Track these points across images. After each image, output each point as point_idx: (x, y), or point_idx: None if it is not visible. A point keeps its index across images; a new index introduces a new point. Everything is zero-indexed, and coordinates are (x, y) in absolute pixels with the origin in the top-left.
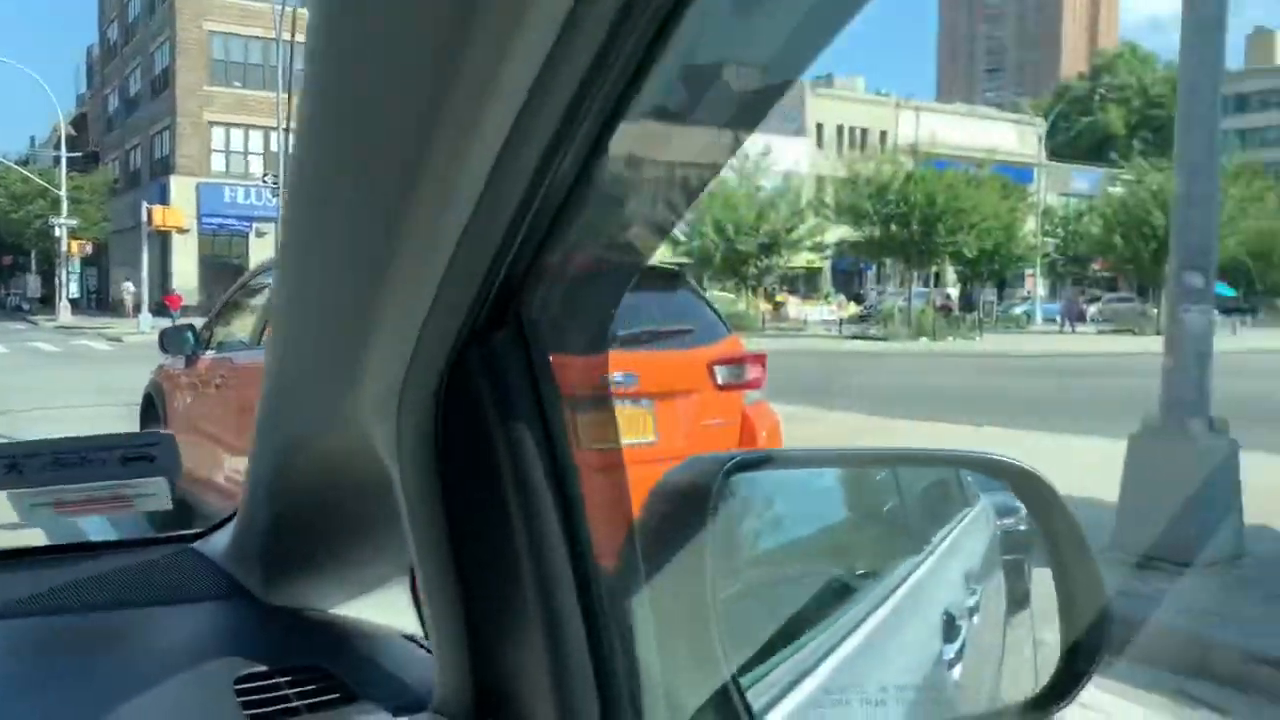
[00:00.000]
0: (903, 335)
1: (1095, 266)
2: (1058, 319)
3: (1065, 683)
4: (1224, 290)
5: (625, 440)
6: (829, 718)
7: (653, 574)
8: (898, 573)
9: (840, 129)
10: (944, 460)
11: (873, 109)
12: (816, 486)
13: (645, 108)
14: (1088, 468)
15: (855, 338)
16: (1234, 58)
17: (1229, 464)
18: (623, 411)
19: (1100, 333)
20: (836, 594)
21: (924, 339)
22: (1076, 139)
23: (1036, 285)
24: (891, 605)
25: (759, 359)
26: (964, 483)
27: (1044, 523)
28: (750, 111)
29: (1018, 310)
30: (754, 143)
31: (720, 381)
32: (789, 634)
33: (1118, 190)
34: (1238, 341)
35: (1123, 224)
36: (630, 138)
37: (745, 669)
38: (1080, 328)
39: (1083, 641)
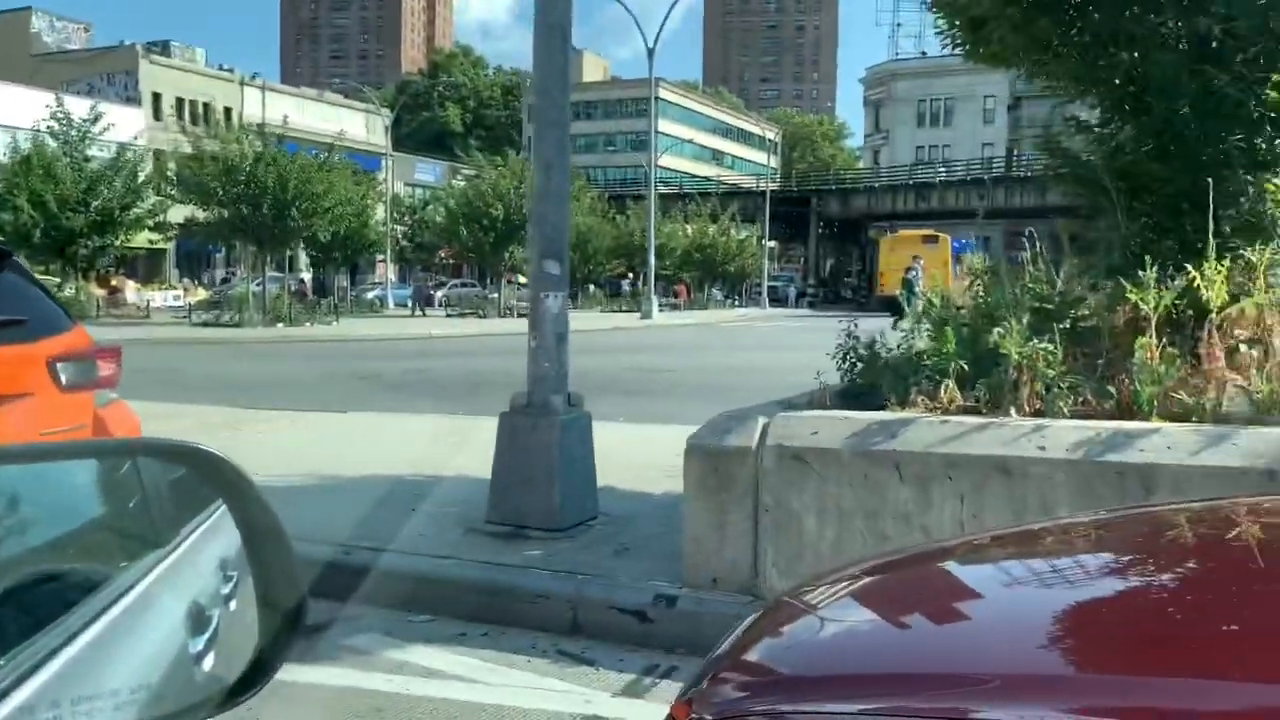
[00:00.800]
0: (258, 321)
1: (441, 254)
2: (409, 303)
3: (255, 674)
4: None
5: None
6: None
7: None
8: (136, 570)
9: (181, 102)
10: (121, 451)
11: (216, 84)
12: (68, 483)
13: None
14: (460, 446)
15: (207, 325)
16: None
17: (585, 435)
18: None
19: (449, 316)
20: (63, 599)
21: (280, 325)
22: (418, 131)
23: (388, 271)
24: (125, 605)
25: (112, 353)
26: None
27: (239, 511)
28: None
29: (370, 295)
30: (80, 106)
31: (65, 381)
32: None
33: (460, 183)
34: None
35: (466, 215)
36: None
37: None
38: (430, 311)
39: (279, 633)
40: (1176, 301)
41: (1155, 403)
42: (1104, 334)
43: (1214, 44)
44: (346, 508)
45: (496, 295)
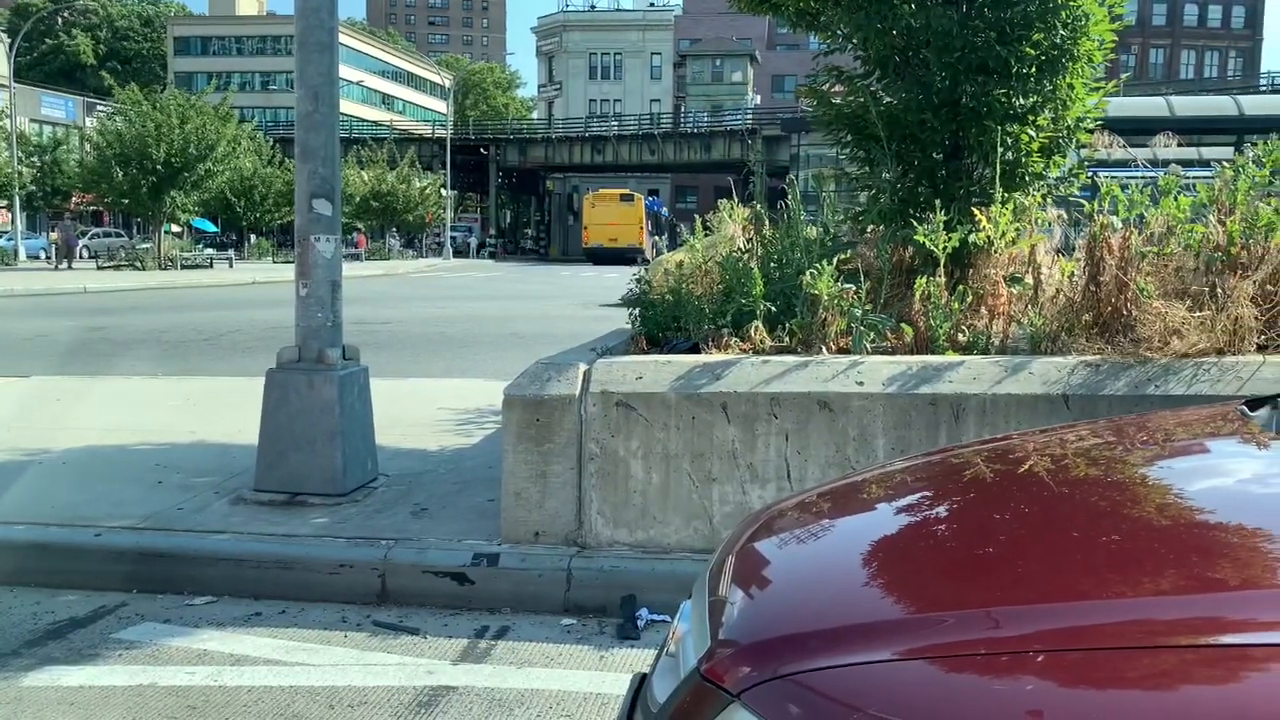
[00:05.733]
0: None
1: (77, 199)
2: (43, 254)
3: None
4: (204, 225)
5: None
6: None
7: None
8: None
9: None
10: None
11: None
12: None
13: None
14: (182, 409)
15: None
16: (197, 6)
17: (365, 390)
18: None
19: (101, 268)
20: None
21: None
22: (43, 61)
23: (16, 219)
24: None
25: None
26: None
27: None
28: None
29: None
30: None
31: None
32: None
33: (112, 122)
34: (236, 274)
35: (120, 156)
36: None
37: None
38: (76, 264)
39: None
40: (962, 242)
41: (948, 338)
42: (883, 274)
43: (981, 4)
44: (76, 484)
45: (151, 245)
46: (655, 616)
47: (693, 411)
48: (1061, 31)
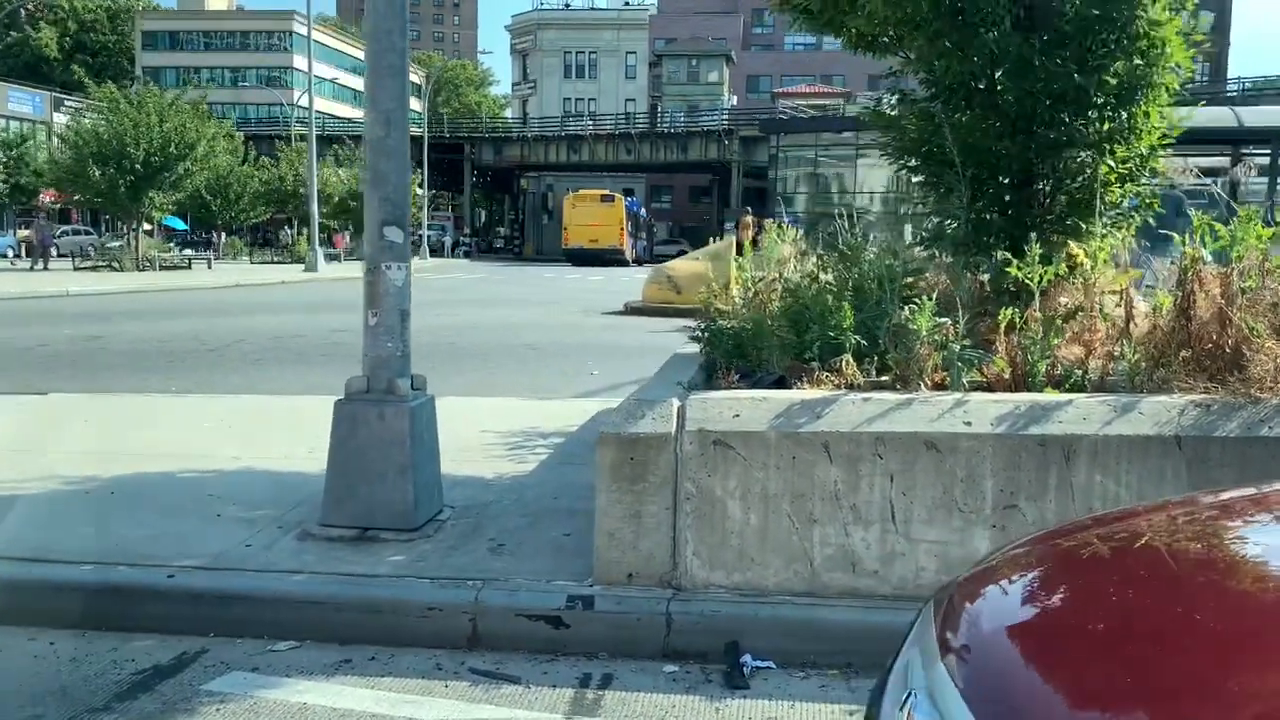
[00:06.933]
0: None
1: (45, 197)
2: (10, 253)
3: None
4: (175, 223)
5: None
6: None
7: None
8: None
9: None
10: None
11: None
12: None
13: None
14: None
15: None
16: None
17: (433, 421)
18: None
19: (79, 269)
20: None
21: None
22: (7, 55)
23: None
24: None
25: None
26: None
27: None
28: None
29: None
30: None
31: None
32: None
33: (88, 119)
34: (217, 276)
35: (97, 155)
36: None
37: None
38: (51, 264)
39: None
40: (1058, 273)
41: (1046, 373)
42: (960, 305)
43: (1062, 31)
44: (132, 516)
45: (126, 245)
46: (760, 663)
47: (793, 451)
48: (1138, 60)
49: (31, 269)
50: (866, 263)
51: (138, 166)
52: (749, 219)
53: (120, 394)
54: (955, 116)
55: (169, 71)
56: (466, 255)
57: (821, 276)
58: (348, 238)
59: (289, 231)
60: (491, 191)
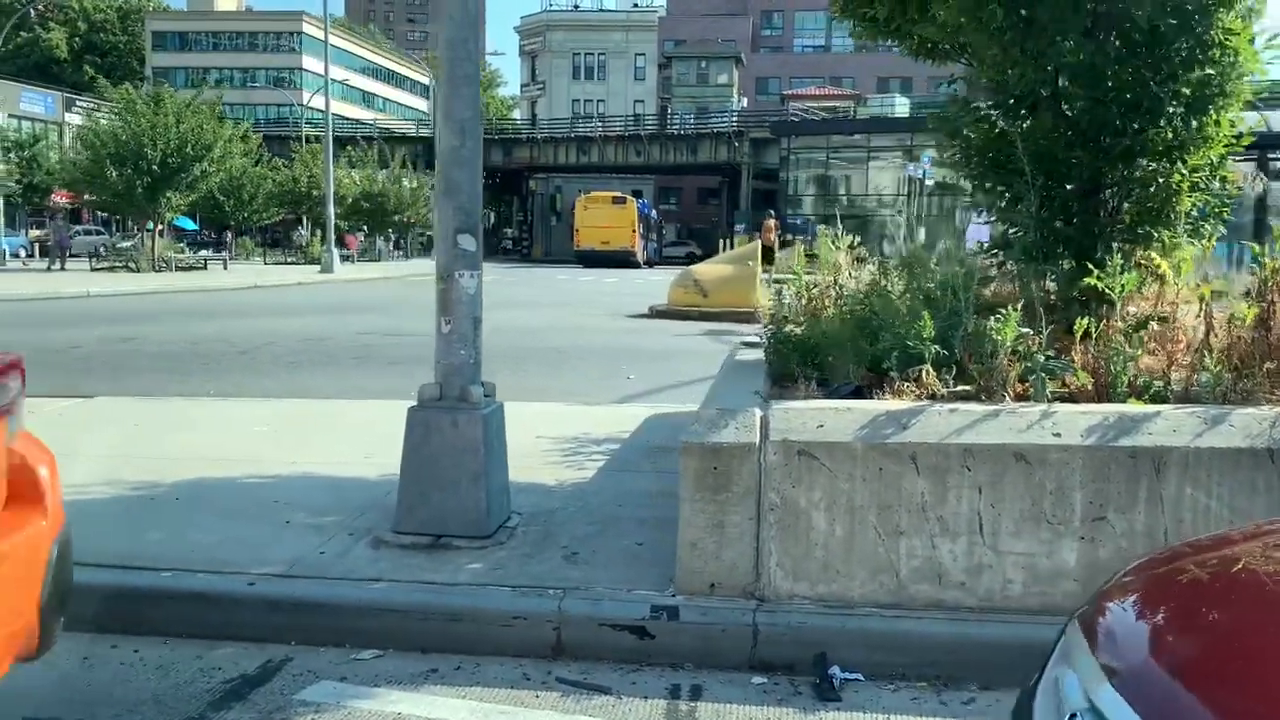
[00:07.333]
0: None
1: (57, 197)
2: (25, 252)
3: None
4: (185, 223)
5: None
6: None
7: None
8: None
9: None
10: None
11: None
12: None
13: None
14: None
15: None
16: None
17: (502, 428)
18: None
19: (96, 269)
20: None
21: None
22: (17, 56)
23: None
24: None
25: (14, 368)
26: None
27: None
28: None
29: None
30: None
31: None
32: None
33: (104, 120)
34: (233, 277)
35: (115, 156)
36: None
37: None
38: (68, 264)
39: None
40: (1141, 283)
41: (1129, 384)
42: (1038, 315)
43: (1133, 40)
44: (200, 522)
45: (139, 245)
46: (848, 675)
47: (880, 462)
48: (1210, 70)
49: (49, 269)
50: (936, 271)
51: (155, 167)
52: (772, 222)
53: (165, 398)
54: (1022, 124)
55: (178, 72)
56: None
57: (885, 284)
58: (360, 238)
59: (302, 232)
60: (499, 193)
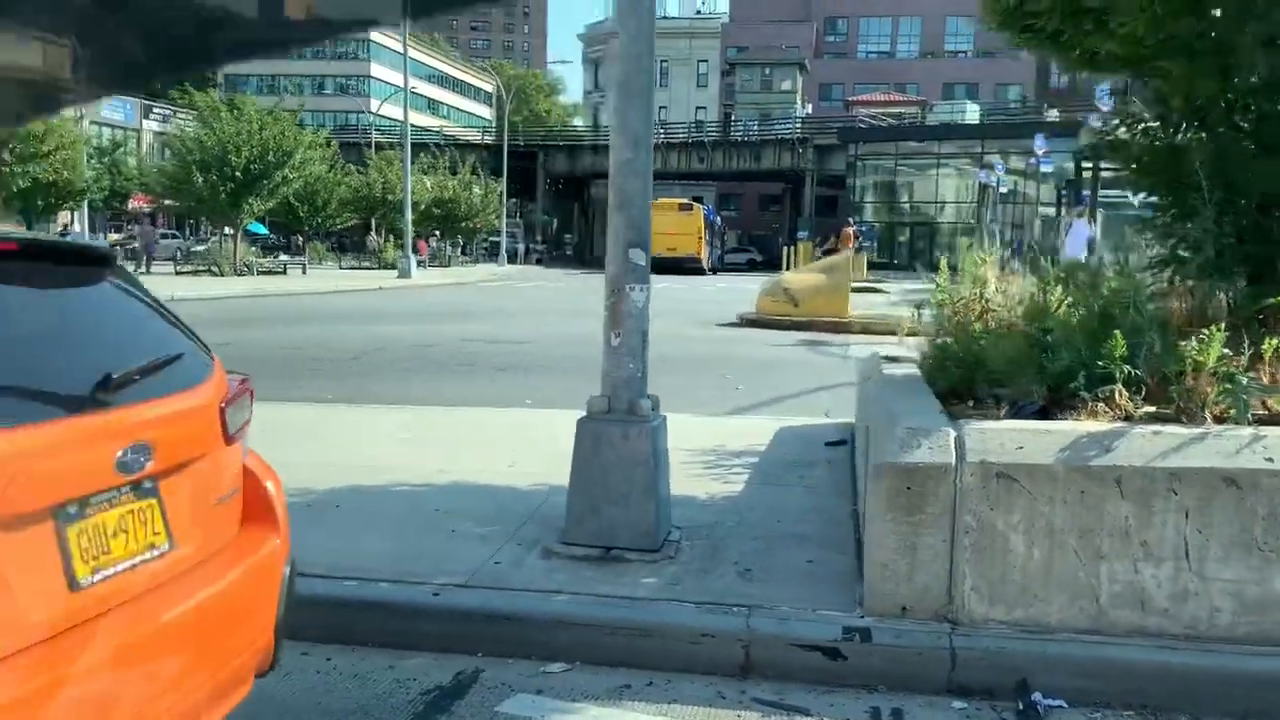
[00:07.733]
0: None
1: (136, 202)
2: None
3: None
4: (257, 228)
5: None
6: None
7: None
8: None
9: None
10: None
11: None
12: None
13: None
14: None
15: None
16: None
17: (665, 441)
18: (118, 511)
19: (180, 273)
20: None
21: None
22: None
23: (84, 221)
24: None
25: (246, 386)
26: None
27: None
28: None
29: None
30: None
31: (231, 432)
32: None
33: (189, 126)
34: (312, 281)
35: (200, 163)
36: None
37: None
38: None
39: None
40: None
41: None
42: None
43: None
44: (369, 531)
45: (219, 249)
46: (1051, 701)
47: (1082, 485)
48: None
49: (136, 271)
50: (1109, 289)
51: (238, 174)
52: (850, 230)
53: (290, 403)
54: (1197, 137)
55: (250, 80)
56: (539, 262)
57: (1045, 299)
58: (431, 243)
59: (375, 237)
60: (561, 199)
